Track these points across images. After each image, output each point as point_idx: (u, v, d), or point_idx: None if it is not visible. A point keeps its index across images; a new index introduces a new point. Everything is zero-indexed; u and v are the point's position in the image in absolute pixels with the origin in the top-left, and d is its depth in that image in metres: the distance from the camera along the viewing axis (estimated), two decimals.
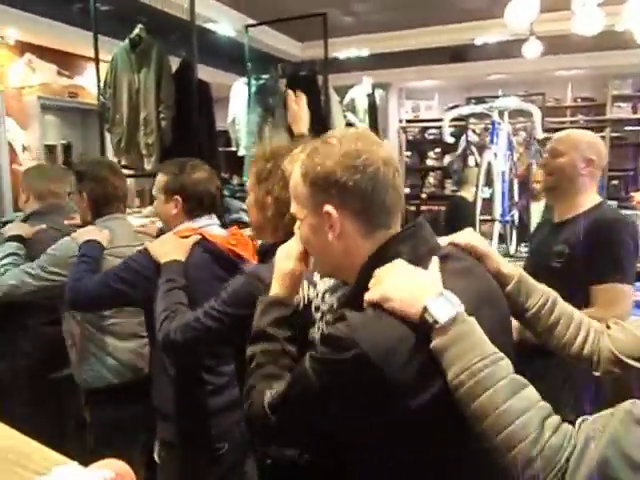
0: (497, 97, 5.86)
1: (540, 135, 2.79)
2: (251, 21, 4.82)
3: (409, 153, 7.90)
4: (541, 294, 1.07)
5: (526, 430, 0.68)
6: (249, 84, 4.84)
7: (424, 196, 7.75)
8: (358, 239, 0.91)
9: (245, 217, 3.54)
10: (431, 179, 7.79)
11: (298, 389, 0.87)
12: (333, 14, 4.67)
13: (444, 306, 0.78)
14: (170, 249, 1.65)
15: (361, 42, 6.08)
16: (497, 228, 2.63)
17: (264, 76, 4.80)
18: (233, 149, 5.31)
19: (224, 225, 3.13)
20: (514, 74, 6.53)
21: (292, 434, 0.97)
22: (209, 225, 1.80)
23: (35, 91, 5.25)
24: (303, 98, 2.24)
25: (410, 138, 7.87)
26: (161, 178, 1.82)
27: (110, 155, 3.52)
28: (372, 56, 6.24)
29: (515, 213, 3.11)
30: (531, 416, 0.70)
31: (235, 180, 5.94)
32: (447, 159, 7.52)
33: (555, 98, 7.01)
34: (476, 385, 0.72)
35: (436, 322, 0.77)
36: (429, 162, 7.83)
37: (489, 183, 2.61)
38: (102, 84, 3.36)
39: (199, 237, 1.71)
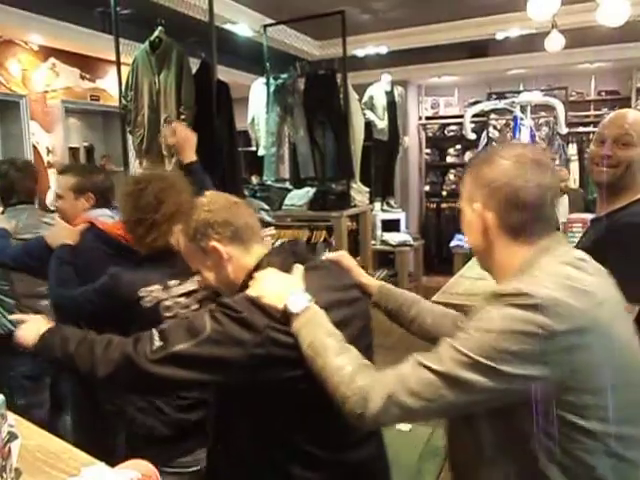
0: (519, 92, 5.80)
1: (564, 130, 2.73)
2: (269, 21, 4.83)
3: (429, 150, 7.85)
4: (399, 296, 1.42)
5: (343, 377, 0.97)
6: (268, 84, 4.86)
7: (444, 193, 7.69)
8: (241, 257, 1.22)
9: (266, 216, 3.55)
10: (451, 176, 7.72)
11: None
12: (351, 12, 4.65)
13: (299, 301, 1.07)
14: (62, 235, 1.99)
15: (379, 39, 6.05)
16: None
17: (283, 76, 4.81)
18: (253, 149, 5.34)
19: None
20: (536, 68, 6.43)
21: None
22: (102, 215, 2.11)
23: (59, 95, 5.34)
24: (180, 126, 2.56)
25: (430, 135, 7.81)
26: (70, 179, 2.14)
27: (132, 156, 3.57)
28: (391, 53, 6.21)
29: None
30: (348, 368, 0.97)
31: (255, 180, 5.97)
32: (468, 156, 7.45)
33: (578, 92, 6.88)
34: (315, 352, 1.01)
35: (292, 312, 1.06)
36: (449, 159, 7.76)
37: None
38: (123, 86, 3.39)
39: (88, 225, 2.01)
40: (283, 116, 4.89)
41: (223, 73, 3.45)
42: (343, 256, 1.45)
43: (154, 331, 1.11)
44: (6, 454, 0.81)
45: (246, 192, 4.56)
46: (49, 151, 5.35)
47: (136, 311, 1.55)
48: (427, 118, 7.78)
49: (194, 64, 3.32)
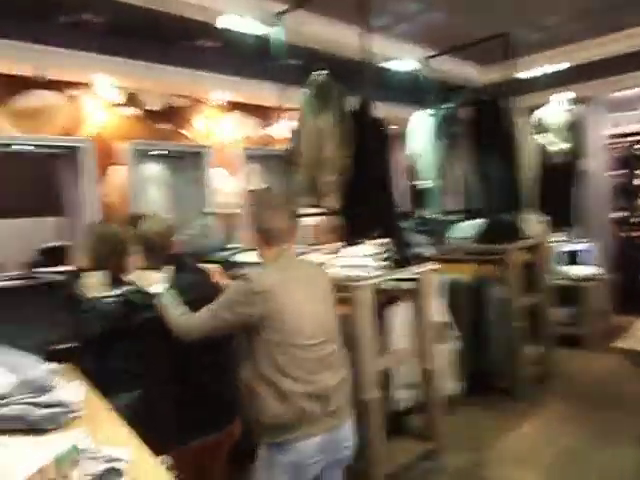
0: None
1: None
2: (430, 52, 4.78)
3: (616, 172, 6.99)
4: None
5: (173, 319, 1.89)
6: (430, 115, 4.79)
7: (635, 220, 6.73)
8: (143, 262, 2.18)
9: (427, 251, 3.43)
10: None
11: None
12: (517, 32, 4.40)
13: (160, 285, 1.98)
14: None
15: (551, 57, 5.61)
16: None
17: (445, 106, 4.71)
18: (417, 182, 5.26)
19: (405, 259, 3.05)
20: None
21: None
22: None
23: (240, 143, 5.90)
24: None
25: (616, 155, 6.97)
26: None
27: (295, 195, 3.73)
28: (564, 71, 5.71)
29: None
30: (176, 314, 1.89)
31: (419, 213, 5.86)
32: None
33: None
34: (163, 308, 1.92)
35: (155, 292, 1.97)
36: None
37: None
38: (289, 130, 3.61)
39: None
40: (446, 147, 4.76)
41: (383, 109, 3.47)
42: (210, 268, 2.33)
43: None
44: None
45: (407, 226, 4.49)
46: (232, 194, 5.89)
47: None
48: (612, 136, 6.97)
49: (354, 103, 3.40)
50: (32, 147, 4.46)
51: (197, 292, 2.01)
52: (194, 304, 1.89)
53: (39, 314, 3.53)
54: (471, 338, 3.97)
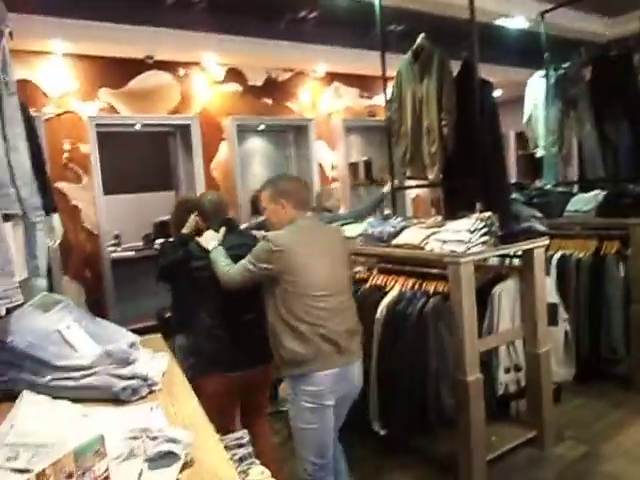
0: None
1: None
2: (547, 6, 4.33)
3: None
4: None
5: (221, 269, 2.30)
6: (546, 76, 4.38)
7: None
8: (205, 224, 2.61)
9: (538, 225, 3.16)
10: None
11: None
12: None
13: (213, 243, 2.40)
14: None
15: None
16: None
17: (564, 65, 4.28)
18: (534, 151, 4.87)
19: (513, 234, 2.83)
20: None
21: None
22: None
23: (340, 114, 5.83)
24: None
25: None
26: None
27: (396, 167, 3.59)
28: None
29: None
30: (223, 265, 2.30)
31: (535, 184, 5.44)
32: None
33: None
34: (214, 261, 2.34)
35: (210, 247, 2.40)
36: None
37: None
38: (388, 99, 3.45)
39: None
40: (565, 110, 4.34)
41: (494, 72, 3.20)
42: (257, 234, 2.62)
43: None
44: None
45: (522, 198, 4.17)
46: (332, 167, 5.87)
47: None
48: None
49: (458, 67, 3.17)
50: (147, 126, 4.73)
51: (241, 251, 2.35)
52: (237, 261, 2.27)
53: (153, 283, 3.76)
54: (584, 321, 3.63)
